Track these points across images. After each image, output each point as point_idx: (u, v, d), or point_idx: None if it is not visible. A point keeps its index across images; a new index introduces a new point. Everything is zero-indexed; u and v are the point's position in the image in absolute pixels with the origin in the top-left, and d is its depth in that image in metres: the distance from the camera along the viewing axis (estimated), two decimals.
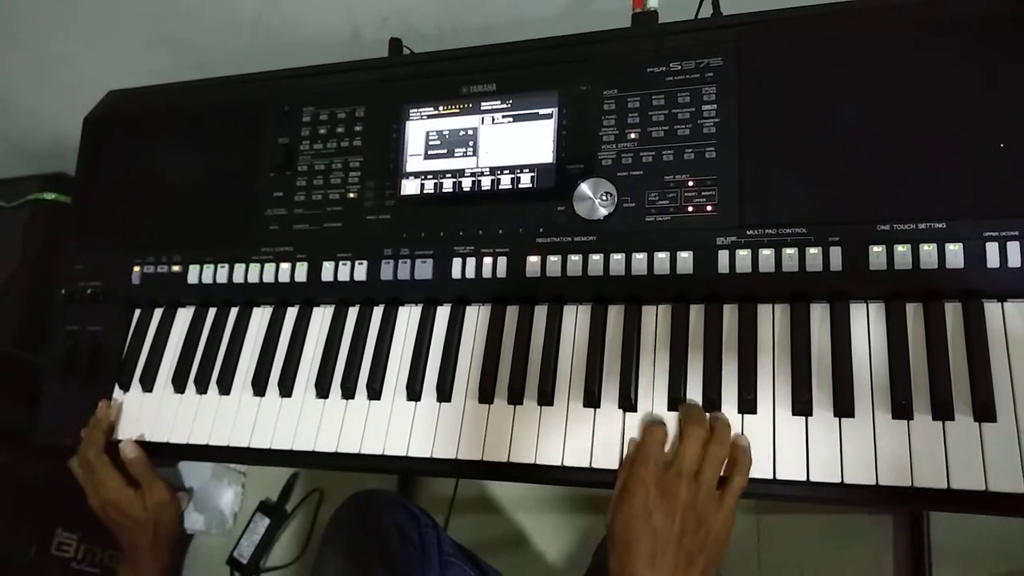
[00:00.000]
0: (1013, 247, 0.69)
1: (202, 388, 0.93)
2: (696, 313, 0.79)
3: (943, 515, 1.29)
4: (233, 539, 1.66)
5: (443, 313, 0.87)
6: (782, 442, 0.71)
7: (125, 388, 0.96)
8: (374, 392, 0.86)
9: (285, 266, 0.92)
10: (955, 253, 0.70)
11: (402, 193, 0.91)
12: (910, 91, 0.75)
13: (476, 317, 0.86)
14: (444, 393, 0.83)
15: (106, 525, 0.93)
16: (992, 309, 0.70)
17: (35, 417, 1.00)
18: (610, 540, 0.70)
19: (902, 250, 0.72)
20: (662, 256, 0.79)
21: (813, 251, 0.74)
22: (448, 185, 0.89)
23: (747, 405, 0.73)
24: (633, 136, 0.83)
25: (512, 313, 0.85)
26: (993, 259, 0.69)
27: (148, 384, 0.95)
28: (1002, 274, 0.69)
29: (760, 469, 0.71)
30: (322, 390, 0.87)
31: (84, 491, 0.94)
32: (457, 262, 0.86)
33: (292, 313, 0.93)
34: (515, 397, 0.80)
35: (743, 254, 0.76)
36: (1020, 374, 0.68)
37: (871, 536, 1.37)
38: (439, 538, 1.01)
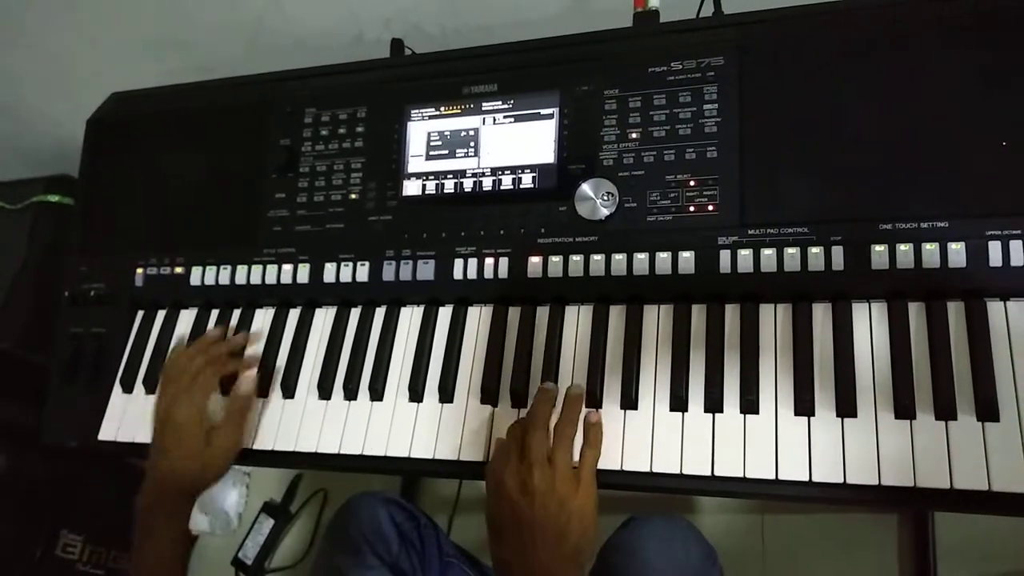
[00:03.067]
0: (1016, 245, 0.69)
1: None
2: (698, 313, 0.79)
3: (948, 514, 1.29)
4: (238, 540, 1.67)
5: (445, 314, 0.87)
6: (785, 442, 0.71)
7: (128, 389, 0.96)
8: (376, 393, 0.86)
9: (287, 267, 0.93)
10: (957, 252, 0.70)
11: (404, 194, 0.91)
12: (912, 89, 0.75)
13: (478, 318, 0.86)
14: (446, 394, 0.83)
15: (153, 438, 0.86)
16: (995, 308, 0.70)
17: (40, 418, 1.00)
18: (489, 529, 0.73)
19: (904, 249, 0.71)
20: (664, 256, 0.79)
21: (815, 250, 0.74)
22: (450, 186, 0.89)
23: (749, 405, 0.73)
24: (634, 136, 0.83)
25: (514, 314, 0.85)
26: (996, 258, 0.69)
27: (151, 386, 0.95)
28: (1005, 273, 0.69)
29: (763, 470, 0.71)
30: (324, 391, 0.88)
31: (161, 390, 0.88)
32: (459, 263, 0.86)
33: (294, 314, 0.93)
34: (517, 398, 0.80)
35: (745, 254, 0.76)
36: (1023, 373, 0.67)
37: (876, 536, 1.36)
38: (439, 539, 1.01)
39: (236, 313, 0.96)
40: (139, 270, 1.00)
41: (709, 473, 0.72)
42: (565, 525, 0.69)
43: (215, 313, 0.97)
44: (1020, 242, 0.69)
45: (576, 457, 0.73)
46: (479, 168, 0.88)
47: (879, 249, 0.72)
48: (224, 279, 0.95)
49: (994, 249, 0.69)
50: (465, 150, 0.89)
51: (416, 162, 0.91)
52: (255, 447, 0.88)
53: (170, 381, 0.87)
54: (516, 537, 0.69)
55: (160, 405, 0.87)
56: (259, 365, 0.91)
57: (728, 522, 1.43)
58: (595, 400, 0.78)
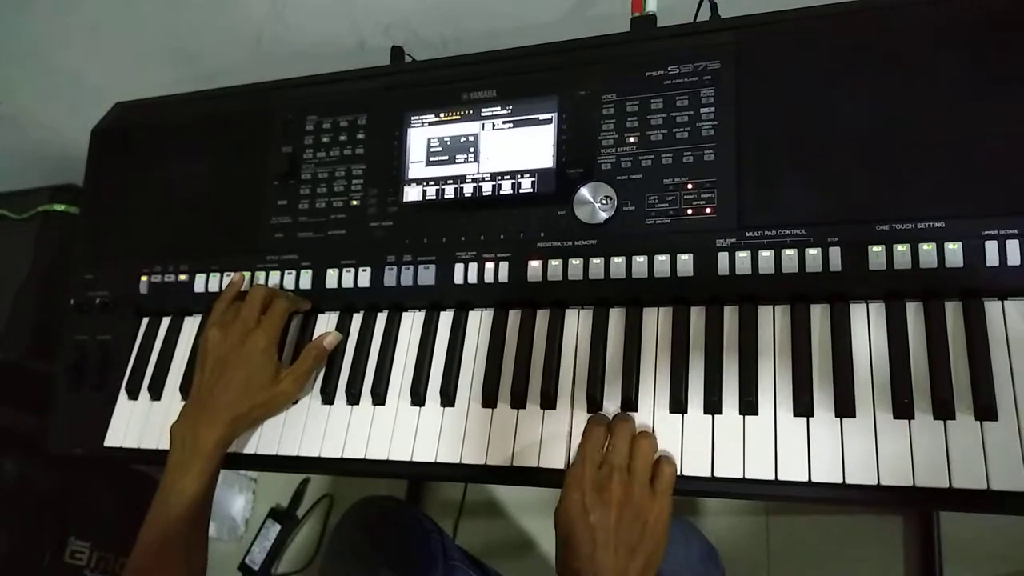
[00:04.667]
0: (1012, 245, 0.69)
1: None
2: (697, 315, 0.79)
3: (954, 513, 1.29)
4: (244, 545, 1.68)
5: (446, 318, 0.88)
6: (784, 443, 0.71)
7: (134, 396, 0.97)
8: (379, 398, 0.86)
9: (290, 274, 0.93)
10: (954, 252, 0.70)
11: (404, 200, 0.91)
12: (907, 91, 0.75)
13: (479, 322, 0.87)
14: (448, 398, 0.84)
15: (206, 362, 0.84)
16: (992, 307, 0.70)
17: (47, 426, 1.01)
18: (557, 541, 0.72)
19: (901, 249, 0.72)
20: (662, 259, 0.79)
21: (812, 252, 0.74)
22: (450, 191, 0.90)
23: (748, 407, 0.73)
24: (632, 140, 0.83)
25: (514, 317, 0.85)
26: (992, 257, 0.69)
27: (156, 392, 0.96)
28: (1002, 272, 0.69)
29: (762, 470, 0.71)
30: (327, 396, 0.88)
31: (220, 320, 0.86)
32: (459, 268, 0.87)
33: (297, 320, 0.94)
34: (518, 401, 0.81)
35: (743, 256, 0.77)
36: (1021, 372, 0.67)
37: (881, 535, 1.36)
38: (444, 544, 1.02)
39: None
40: (144, 278, 1.01)
41: (709, 474, 0.73)
42: (639, 537, 0.68)
43: None
44: (1017, 242, 0.69)
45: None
46: (479, 173, 0.89)
47: (876, 250, 0.73)
48: None
49: (991, 249, 0.69)
50: (465, 156, 0.90)
51: (416, 168, 0.92)
52: (259, 452, 0.88)
53: (238, 313, 0.85)
54: (588, 545, 0.68)
55: (232, 335, 0.84)
56: None
57: (732, 523, 1.43)
58: (595, 403, 0.78)
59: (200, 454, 0.80)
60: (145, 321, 1.01)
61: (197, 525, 0.81)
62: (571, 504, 0.70)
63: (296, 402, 0.89)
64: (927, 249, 0.71)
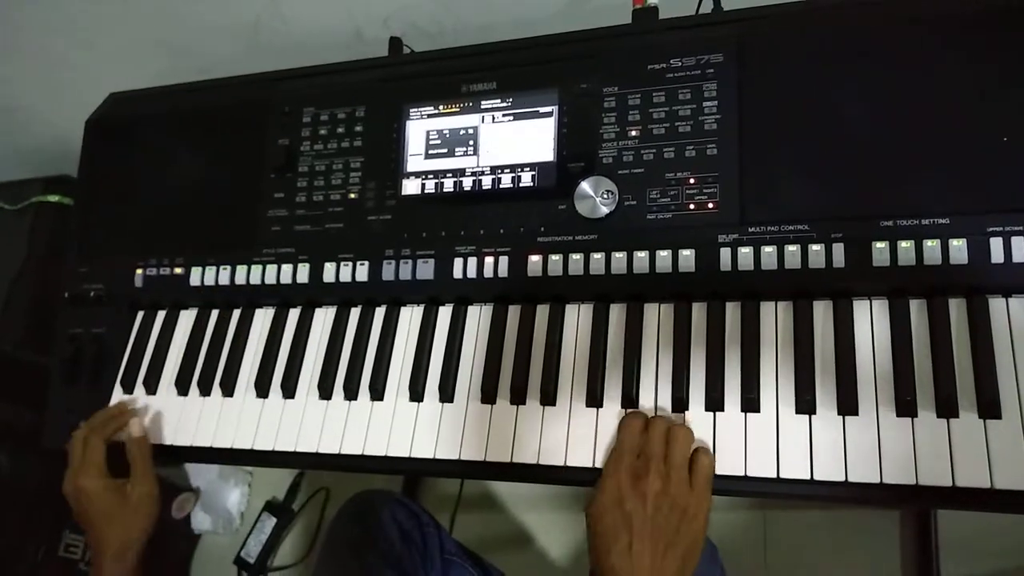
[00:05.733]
0: (1018, 242, 0.69)
1: (205, 390, 0.93)
2: (698, 311, 0.78)
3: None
4: (240, 539, 1.67)
5: (445, 313, 0.87)
6: (786, 441, 0.71)
7: (129, 390, 0.96)
8: (377, 393, 0.85)
9: (287, 267, 0.92)
10: (959, 248, 0.70)
11: (403, 193, 0.90)
12: (912, 86, 0.74)
13: (478, 317, 0.86)
14: (447, 394, 0.83)
15: (75, 516, 0.90)
16: (996, 304, 0.70)
17: (42, 420, 1.00)
18: (588, 533, 0.70)
19: (905, 246, 0.71)
20: (664, 254, 0.78)
21: (816, 248, 0.74)
22: (449, 184, 0.89)
23: (750, 404, 0.73)
24: (634, 134, 0.82)
25: (514, 313, 0.84)
26: (997, 254, 0.69)
27: (152, 386, 0.95)
28: (1006, 269, 0.69)
29: (764, 468, 0.71)
30: (325, 391, 0.87)
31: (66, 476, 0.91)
32: (458, 262, 0.86)
33: (294, 314, 0.93)
34: (517, 397, 0.80)
35: (745, 251, 0.76)
36: None
37: (878, 531, 1.36)
38: (441, 537, 1.01)
39: (236, 313, 0.96)
40: (139, 270, 1.00)
41: None
42: (676, 529, 0.67)
43: (215, 313, 0.97)
44: (1022, 238, 0.68)
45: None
46: (478, 167, 0.88)
47: (880, 246, 0.72)
48: (224, 279, 0.95)
49: (996, 245, 0.69)
50: (464, 149, 0.89)
51: (415, 161, 0.91)
52: (256, 447, 0.88)
53: (71, 459, 0.90)
54: (623, 537, 0.66)
55: (66, 488, 0.89)
56: (259, 365, 0.91)
57: (730, 519, 1.43)
58: (596, 399, 0.78)
59: None
60: (140, 314, 1.00)
61: None
62: (606, 495, 0.69)
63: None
64: (931, 245, 0.71)
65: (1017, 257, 0.68)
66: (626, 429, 0.73)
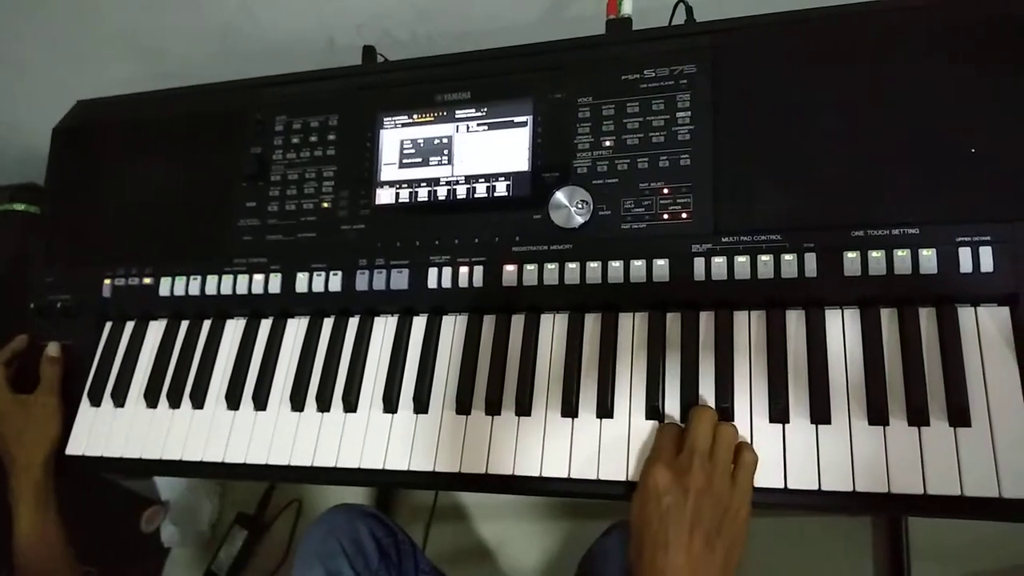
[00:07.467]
0: (986, 252, 0.70)
1: (175, 402, 0.91)
2: (672, 321, 0.78)
3: None
4: (211, 552, 1.64)
5: (419, 323, 0.87)
6: (759, 450, 0.71)
7: (96, 403, 0.94)
8: (350, 404, 0.85)
9: (259, 277, 0.91)
10: (928, 258, 0.71)
11: (377, 202, 0.90)
12: (882, 97, 0.75)
13: (453, 327, 0.85)
14: (421, 404, 0.82)
15: None
16: (965, 314, 0.71)
17: None
18: (631, 532, 0.69)
19: (876, 256, 0.72)
20: (638, 264, 0.79)
21: (788, 258, 0.74)
22: (423, 194, 0.88)
23: (724, 413, 0.73)
24: (608, 144, 0.83)
25: (489, 323, 0.84)
26: (966, 264, 0.70)
27: (120, 399, 0.93)
28: (975, 279, 0.70)
29: None
30: (297, 403, 0.86)
31: None
32: (433, 272, 0.85)
33: (266, 325, 0.92)
34: (492, 408, 0.80)
35: (718, 261, 0.76)
36: (994, 379, 0.68)
37: (850, 535, 1.38)
38: (416, 556, 1.01)
39: (206, 324, 0.94)
40: (107, 281, 0.98)
41: None
42: (717, 526, 0.65)
43: (184, 324, 0.95)
44: (990, 248, 0.70)
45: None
46: (453, 176, 0.88)
47: (851, 256, 0.73)
48: (194, 289, 0.94)
49: (964, 255, 0.70)
50: (439, 158, 0.89)
51: (389, 170, 0.90)
52: (227, 460, 0.86)
53: None
54: (662, 533, 0.64)
55: None
56: (230, 376, 0.90)
57: None
58: (571, 409, 0.77)
59: (35, 511, 0.92)
60: (108, 325, 0.99)
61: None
62: (647, 490, 0.67)
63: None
64: (901, 255, 0.71)
65: (985, 267, 0.69)
66: (665, 430, 0.72)
